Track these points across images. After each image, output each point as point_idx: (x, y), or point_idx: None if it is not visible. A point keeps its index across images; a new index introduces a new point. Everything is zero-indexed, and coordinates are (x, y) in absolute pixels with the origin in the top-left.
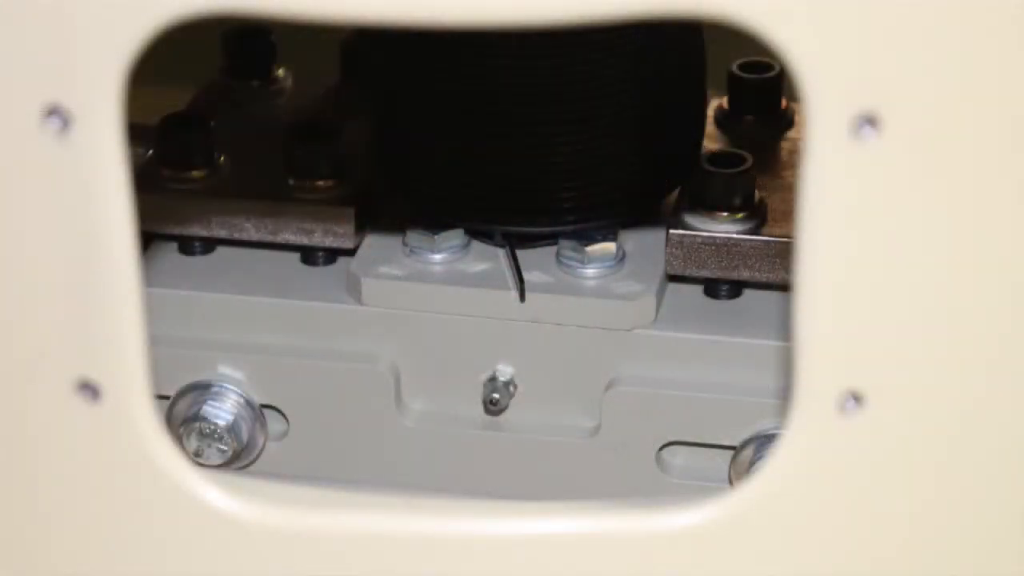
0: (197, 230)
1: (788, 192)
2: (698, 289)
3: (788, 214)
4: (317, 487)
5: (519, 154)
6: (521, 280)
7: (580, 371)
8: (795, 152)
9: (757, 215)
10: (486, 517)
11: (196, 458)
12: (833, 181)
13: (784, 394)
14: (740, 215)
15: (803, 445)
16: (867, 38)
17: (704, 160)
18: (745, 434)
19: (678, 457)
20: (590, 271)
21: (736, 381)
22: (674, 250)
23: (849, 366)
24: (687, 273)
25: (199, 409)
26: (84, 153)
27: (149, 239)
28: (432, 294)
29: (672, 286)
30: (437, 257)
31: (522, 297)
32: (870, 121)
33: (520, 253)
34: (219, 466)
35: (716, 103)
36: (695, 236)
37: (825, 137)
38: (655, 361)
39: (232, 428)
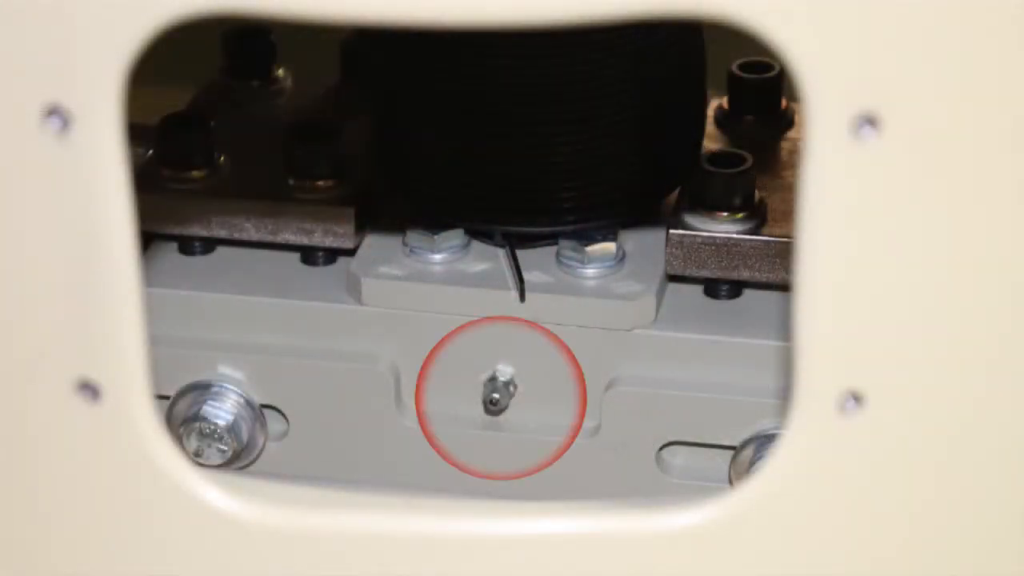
0: (197, 230)
1: (788, 192)
2: (698, 289)
3: (788, 214)
4: (317, 487)
5: (519, 154)
6: (521, 280)
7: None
8: (795, 152)
9: (757, 215)
10: (486, 517)
11: (196, 458)
12: (833, 181)
13: (784, 394)
14: (740, 215)
15: (803, 445)
16: (867, 38)
17: (704, 160)
18: (745, 434)
19: (678, 457)
20: (590, 271)
21: (736, 381)
22: (674, 250)
23: (849, 366)
24: (687, 273)
25: (199, 409)
26: (84, 153)
27: (149, 239)
28: (432, 294)
29: (672, 286)
30: (437, 257)
31: (522, 297)
32: (870, 121)
33: (520, 253)
34: (219, 466)
35: (716, 103)
36: (695, 236)
37: (825, 137)
38: (655, 361)
39: (232, 428)
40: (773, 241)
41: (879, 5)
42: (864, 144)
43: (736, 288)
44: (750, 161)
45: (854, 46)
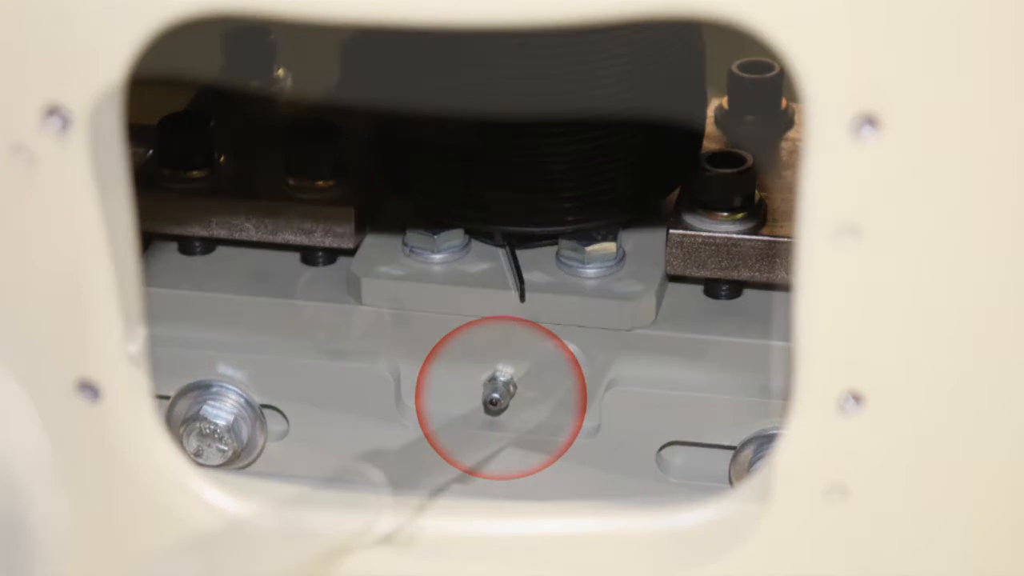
0: (197, 230)
1: (788, 192)
2: (698, 289)
3: (788, 214)
4: (317, 487)
5: (519, 154)
6: (521, 280)
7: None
8: (795, 152)
9: (757, 215)
10: (486, 517)
11: (196, 458)
12: (833, 181)
13: (784, 394)
14: (740, 215)
15: (803, 445)
16: (867, 38)
17: (704, 160)
18: (745, 434)
19: (678, 457)
20: (590, 271)
21: (736, 381)
22: (674, 250)
23: (849, 366)
24: (687, 273)
25: (199, 409)
26: (84, 153)
27: (149, 239)
28: (432, 294)
29: (672, 286)
30: (437, 257)
31: (522, 297)
32: (870, 121)
33: (520, 253)
34: (219, 466)
35: (716, 103)
36: (695, 236)
37: (825, 137)
38: (655, 361)
39: (232, 428)
40: (773, 241)
41: (879, 6)
42: (864, 144)
43: (736, 288)
44: (750, 161)
45: (854, 46)
